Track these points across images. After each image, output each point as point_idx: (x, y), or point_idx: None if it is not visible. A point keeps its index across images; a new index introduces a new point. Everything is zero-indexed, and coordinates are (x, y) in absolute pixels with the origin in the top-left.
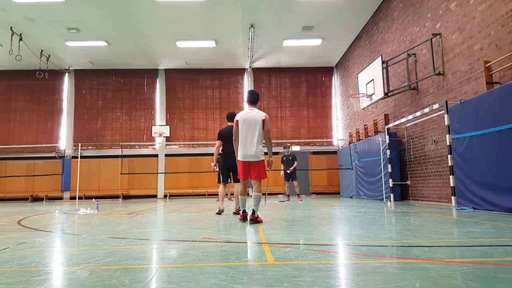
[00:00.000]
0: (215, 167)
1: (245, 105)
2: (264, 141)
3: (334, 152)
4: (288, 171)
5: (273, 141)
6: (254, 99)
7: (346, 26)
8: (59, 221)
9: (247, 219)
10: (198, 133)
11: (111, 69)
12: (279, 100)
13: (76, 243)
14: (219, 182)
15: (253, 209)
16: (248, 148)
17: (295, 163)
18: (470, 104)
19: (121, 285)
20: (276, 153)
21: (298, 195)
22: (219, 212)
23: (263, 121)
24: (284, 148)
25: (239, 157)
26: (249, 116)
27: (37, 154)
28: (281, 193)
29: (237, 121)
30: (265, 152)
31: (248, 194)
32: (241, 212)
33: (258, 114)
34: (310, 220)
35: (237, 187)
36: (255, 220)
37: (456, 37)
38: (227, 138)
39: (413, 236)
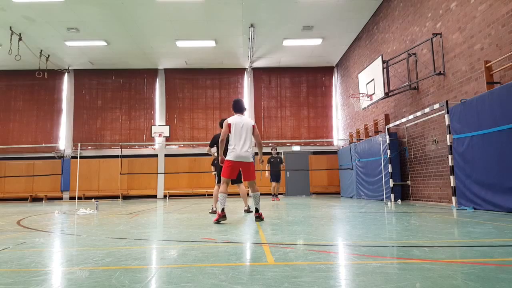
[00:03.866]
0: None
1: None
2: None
3: (334, 152)
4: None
5: (273, 141)
6: (242, 108)
7: (346, 25)
8: (59, 221)
9: (225, 218)
10: (198, 133)
11: (111, 69)
12: (279, 100)
13: (75, 244)
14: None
15: (256, 208)
16: (242, 149)
17: (283, 165)
18: (471, 104)
19: (121, 286)
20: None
21: (275, 194)
22: (213, 212)
23: (253, 126)
24: (272, 149)
25: (231, 157)
26: (242, 120)
27: (37, 154)
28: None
29: (230, 124)
30: (255, 153)
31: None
32: (219, 211)
33: (249, 120)
34: (310, 220)
35: (243, 187)
36: (260, 217)
37: (457, 37)
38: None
39: (414, 236)
